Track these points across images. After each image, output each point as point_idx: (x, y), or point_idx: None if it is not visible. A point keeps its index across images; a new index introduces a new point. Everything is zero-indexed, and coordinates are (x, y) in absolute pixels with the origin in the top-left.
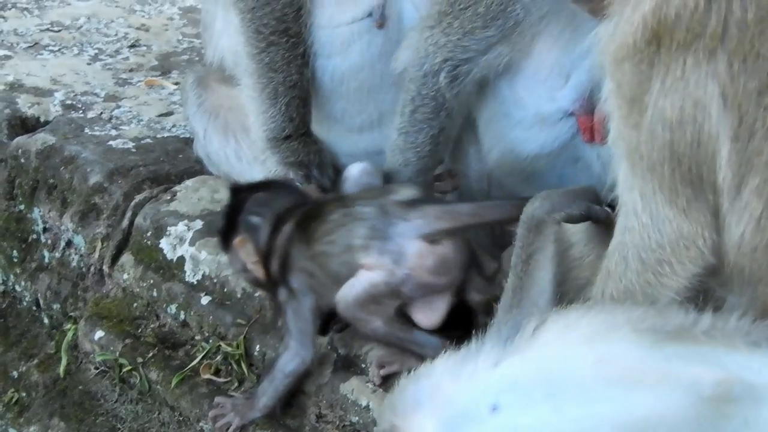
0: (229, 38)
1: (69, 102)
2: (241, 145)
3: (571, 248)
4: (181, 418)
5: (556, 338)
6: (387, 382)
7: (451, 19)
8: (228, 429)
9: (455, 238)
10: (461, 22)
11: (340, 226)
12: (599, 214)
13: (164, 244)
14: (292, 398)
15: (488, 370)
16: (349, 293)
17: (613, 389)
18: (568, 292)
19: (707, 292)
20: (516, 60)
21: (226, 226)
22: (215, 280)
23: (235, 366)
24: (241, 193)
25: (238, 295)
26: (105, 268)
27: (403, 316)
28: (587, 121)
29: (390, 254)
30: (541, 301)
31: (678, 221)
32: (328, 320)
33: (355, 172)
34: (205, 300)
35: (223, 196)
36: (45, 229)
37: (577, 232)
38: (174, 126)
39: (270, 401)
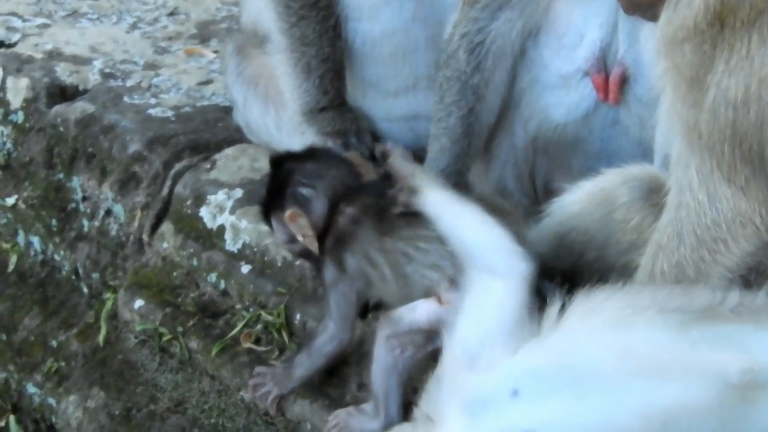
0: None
1: (108, 70)
2: (280, 115)
3: (615, 211)
4: (221, 388)
5: (580, 323)
6: None
7: None
8: (267, 398)
9: None
10: None
11: (439, 242)
12: None
13: (204, 212)
14: (334, 368)
15: (507, 358)
16: (407, 314)
17: (637, 380)
18: (609, 256)
19: (758, 267)
20: (536, 22)
21: (270, 198)
22: (255, 249)
23: (275, 335)
24: (283, 163)
25: (279, 264)
26: (144, 237)
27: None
28: (599, 79)
29: None
30: None
31: (735, 199)
32: (366, 304)
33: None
34: (245, 269)
35: (263, 164)
36: (84, 198)
37: (622, 194)
38: (213, 94)
39: (306, 373)
